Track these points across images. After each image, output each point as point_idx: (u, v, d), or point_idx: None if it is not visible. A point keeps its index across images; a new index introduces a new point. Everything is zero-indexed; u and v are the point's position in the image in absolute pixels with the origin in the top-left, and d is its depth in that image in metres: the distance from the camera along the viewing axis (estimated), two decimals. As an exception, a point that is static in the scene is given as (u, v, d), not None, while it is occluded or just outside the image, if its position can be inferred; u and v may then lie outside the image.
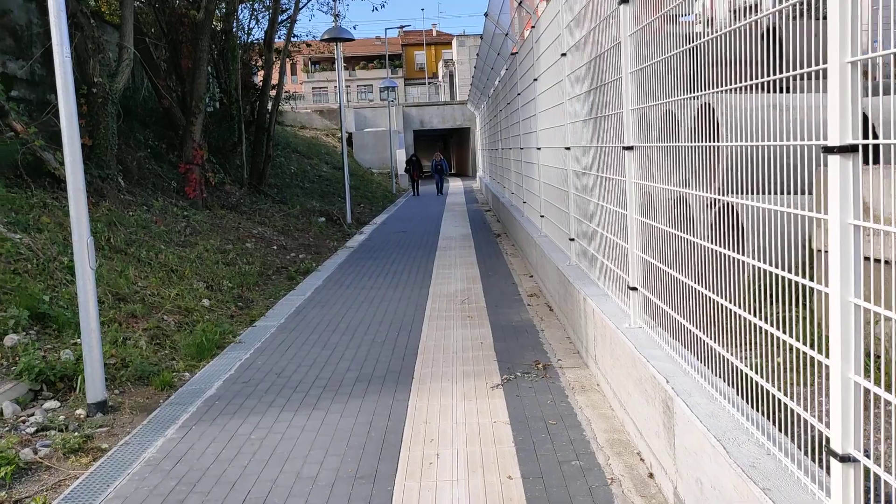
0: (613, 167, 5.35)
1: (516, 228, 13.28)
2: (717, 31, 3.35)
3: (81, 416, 5.33)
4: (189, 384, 6.06)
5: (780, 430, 2.96)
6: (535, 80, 10.25)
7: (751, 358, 3.18)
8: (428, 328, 7.59)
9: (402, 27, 62.09)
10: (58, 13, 5.06)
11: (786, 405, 2.78)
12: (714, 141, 3.67)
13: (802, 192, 3.23)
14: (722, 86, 3.25)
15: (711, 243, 3.53)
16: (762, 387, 3.00)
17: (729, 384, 3.41)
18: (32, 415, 5.30)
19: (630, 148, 4.76)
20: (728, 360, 3.31)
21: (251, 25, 28.22)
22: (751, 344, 3.26)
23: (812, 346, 2.56)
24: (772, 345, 2.90)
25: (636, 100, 4.67)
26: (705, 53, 3.43)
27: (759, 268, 2.98)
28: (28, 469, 4.50)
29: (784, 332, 2.82)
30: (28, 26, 13.86)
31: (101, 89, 11.91)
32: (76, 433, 4.97)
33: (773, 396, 2.88)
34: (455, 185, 40.33)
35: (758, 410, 3.13)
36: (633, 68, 4.69)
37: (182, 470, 4.36)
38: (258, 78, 21.19)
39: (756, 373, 3.06)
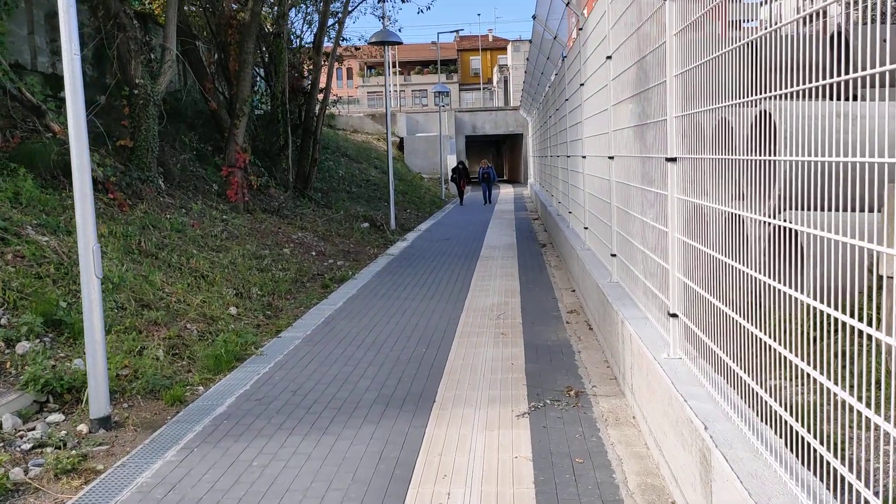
0: (655, 180, 4.87)
1: (561, 239, 12.78)
2: (779, 24, 2.87)
3: (83, 433, 5.08)
4: (200, 400, 5.77)
5: (835, 497, 2.48)
6: (582, 84, 9.77)
7: (804, 406, 2.69)
8: (457, 346, 7.18)
9: (457, 32, 61.90)
10: (66, 8, 4.82)
11: (842, 476, 2.29)
12: (772, 153, 3.20)
13: (870, 210, 2.75)
14: (783, 88, 2.77)
15: (761, 273, 3.04)
16: (814, 444, 2.51)
17: (777, 433, 2.92)
18: (33, 429, 5.07)
19: (673, 159, 4.28)
20: (777, 411, 2.82)
21: (303, 29, 28.19)
22: (802, 391, 2.78)
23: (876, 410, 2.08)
24: (827, 397, 2.42)
25: (681, 106, 4.19)
26: (765, 51, 2.94)
27: (816, 307, 2.50)
28: (15, 491, 4.24)
29: (845, 387, 2.33)
30: (79, 27, 13.98)
31: (142, 91, 11.84)
32: (73, 451, 4.71)
33: (829, 462, 2.39)
34: (506, 191, 39.82)
35: (811, 470, 2.64)
36: (678, 71, 4.21)
37: (173, 499, 4.04)
38: (307, 81, 21.10)
39: (809, 430, 2.57)
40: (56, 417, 5.30)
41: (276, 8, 19.31)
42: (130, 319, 7.10)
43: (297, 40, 21.61)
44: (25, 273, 7.02)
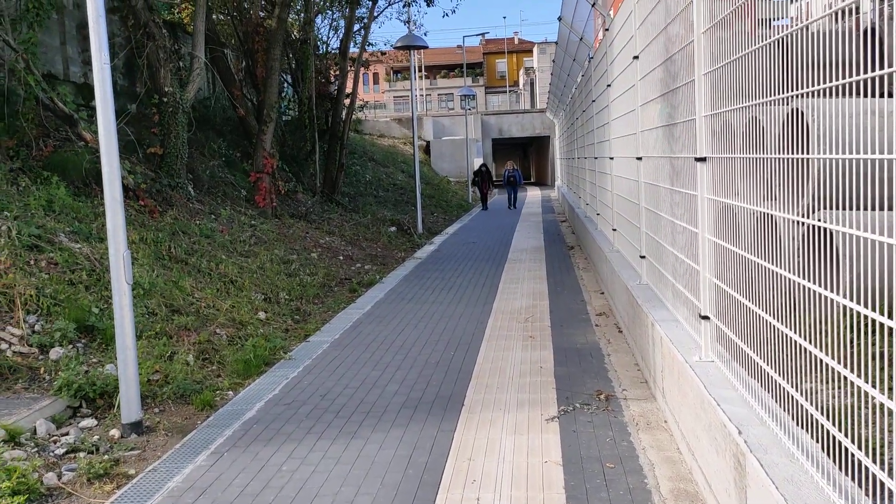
0: (684, 180, 4.80)
1: (589, 241, 12.69)
2: (809, 20, 2.81)
3: (115, 437, 5.13)
4: (230, 404, 5.81)
5: (874, 502, 2.41)
6: (609, 85, 9.69)
7: (840, 410, 2.62)
8: (486, 349, 7.15)
9: (482, 35, 61.93)
10: (96, 18, 4.88)
11: (881, 481, 2.23)
12: (804, 152, 3.13)
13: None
14: (815, 85, 2.70)
15: (795, 273, 2.97)
16: (852, 448, 2.45)
17: (813, 437, 2.85)
18: (66, 434, 5.13)
19: (703, 159, 4.22)
20: (813, 415, 2.75)
21: (329, 35, 28.41)
22: (839, 394, 2.71)
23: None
24: (864, 401, 2.35)
25: (710, 105, 4.13)
26: (796, 47, 2.88)
27: (853, 308, 2.44)
28: (50, 495, 4.29)
29: (883, 390, 2.27)
30: (110, 37, 14.22)
31: (171, 99, 11.98)
32: (105, 456, 4.76)
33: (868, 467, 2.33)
34: (533, 194, 39.68)
35: (848, 475, 2.57)
36: (707, 69, 4.15)
37: (203, 504, 4.07)
38: (334, 87, 21.22)
39: (847, 434, 2.51)
40: (89, 422, 5.36)
41: (302, 15, 19.46)
42: (161, 325, 7.17)
43: (324, 46, 21.76)
44: (59, 280, 7.12)
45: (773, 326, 3.16)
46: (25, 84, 9.46)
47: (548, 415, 5.24)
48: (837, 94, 2.57)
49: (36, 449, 4.83)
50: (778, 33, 3.10)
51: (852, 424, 2.53)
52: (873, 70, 2.27)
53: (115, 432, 5.18)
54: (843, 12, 2.63)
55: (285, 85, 20.23)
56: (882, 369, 2.84)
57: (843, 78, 2.48)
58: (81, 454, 4.80)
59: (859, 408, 2.60)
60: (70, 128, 10.25)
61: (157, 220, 10.34)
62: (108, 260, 7.66)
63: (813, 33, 2.74)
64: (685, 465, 4.33)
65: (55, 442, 4.98)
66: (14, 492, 4.10)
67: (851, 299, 2.48)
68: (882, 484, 2.25)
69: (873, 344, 2.55)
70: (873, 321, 2.31)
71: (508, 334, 7.72)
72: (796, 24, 2.96)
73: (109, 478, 4.50)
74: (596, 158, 12.53)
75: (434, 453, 4.63)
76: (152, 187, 11.08)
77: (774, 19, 3.59)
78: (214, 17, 16.85)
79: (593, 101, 12.40)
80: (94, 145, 10.16)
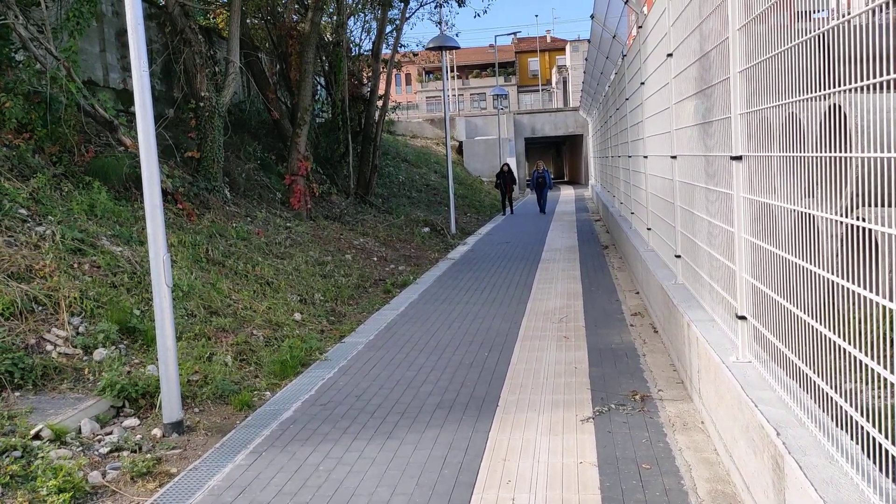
0: (719, 179, 4.76)
1: (623, 240, 12.61)
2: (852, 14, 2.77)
3: (157, 437, 5.24)
4: (268, 404, 5.89)
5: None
6: (643, 83, 9.62)
7: (881, 411, 2.58)
8: (520, 349, 7.15)
9: (514, 34, 61.79)
10: (135, 26, 4.99)
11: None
12: (844, 150, 3.09)
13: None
14: (856, 81, 2.67)
15: (834, 273, 2.93)
16: (892, 451, 2.41)
17: (853, 438, 2.82)
18: (110, 433, 5.25)
19: (738, 158, 4.18)
20: (853, 416, 2.72)
21: (361, 37, 28.61)
22: (879, 395, 2.67)
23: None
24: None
25: (746, 103, 4.09)
26: (836, 42, 2.85)
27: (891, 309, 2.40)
28: (94, 493, 4.40)
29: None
30: (147, 44, 14.50)
31: (207, 103, 12.17)
32: (148, 455, 4.86)
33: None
34: (566, 193, 39.49)
35: (889, 476, 2.54)
36: (742, 66, 4.11)
37: (243, 502, 4.13)
38: (366, 89, 21.36)
39: (887, 436, 2.47)
40: (131, 422, 5.48)
41: (335, 17, 19.63)
42: (200, 326, 7.29)
43: (356, 48, 21.93)
44: (101, 282, 7.29)
45: (812, 327, 3.13)
46: (67, 91, 9.68)
47: (583, 415, 5.22)
48: (878, 90, 2.53)
49: (81, 448, 4.95)
50: (817, 28, 3.06)
51: (893, 426, 2.50)
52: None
53: (156, 431, 5.29)
54: (885, 4, 2.59)
55: (318, 87, 20.41)
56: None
57: (884, 73, 2.44)
58: (125, 453, 4.91)
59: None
60: (110, 133, 10.47)
61: (195, 224, 10.52)
62: (148, 263, 7.82)
63: (855, 27, 2.71)
64: (722, 466, 4.29)
65: (99, 441, 5.10)
66: (60, 490, 4.21)
67: (891, 300, 2.44)
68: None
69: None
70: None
71: (542, 335, 7.70)
72: (835, 18, 2.92)
73: (152, 476, 4.60)
74: (630, 157, 12.44)
75: (469, 454, 4.65)
76: (190, 191, 11.27)
77: (813, 12, 3.53)
78: (249, 21, 17.07)
79: (627, 99, 12.32)
80: (133, 150, 10.37)
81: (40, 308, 6.53)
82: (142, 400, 5.78)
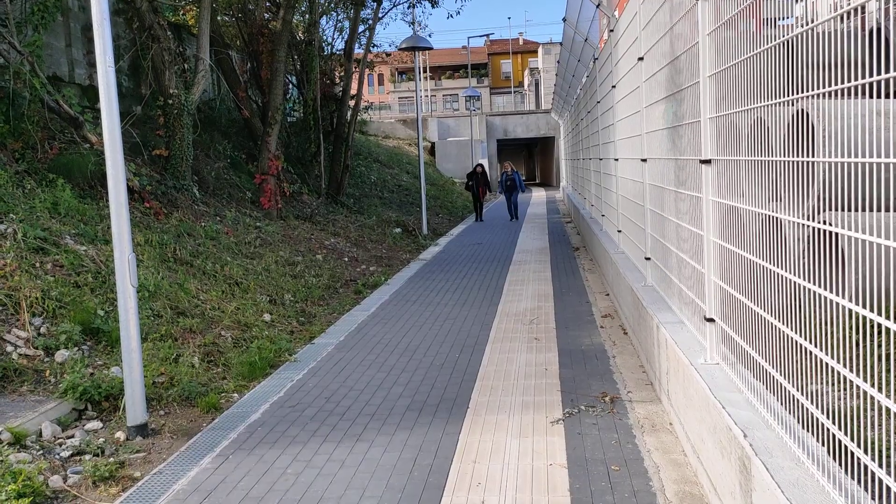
0: (689, 182, 4.79)
1: (594, 243, 12.68)
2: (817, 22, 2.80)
3: (120, 440, 5.14)
4: (235, 406, 5.81)
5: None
6: (614, 87, 9.68)
7: (846, 413, 2.61)
8: (491, 351, 7.14)
9: (487, 35, 61.94)
10: (101, 21, 4.90)
11: (888, 486, 2.21)
12: (810, 154, 3.12)
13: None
14: (822, 87, 2.69)
15: (800, 276, 2.96)
16: (857, 452, 2.43)
17: (819, 440, 2.84)
18: (72, 436, 5.14)
19: (708, 161, 4.21)
20: (818, 418, 2.74)
21: (334, 36, 28.46)
22: (844, 396, 2.69)
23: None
24: (870, 403, 2.34)
25: (715, 107, 4.12)
26: (802, 49, 2.87)
27: (857, 312, 2.42)
28: (55, 498, 4.31)
29: (889, 393, 2.25)
30: (114, 39, 14.25)
31: (176, 101, 12.01)
32: (111, 459, 4.77)
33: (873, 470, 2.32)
34: (538, 195, 39.65)
35: (854, 478, 2.56)
36: (711, 71, 4.14)
37: (208, 507, 4.07)
38: (339, 88, 21.26)
39: (852, 438, 2.49)
40: (94, 425, 5.37)
41: (307, 16, 19.51)
42: (166, 327, 7.18)
43: (329, 47, 21.81)
44: (64, 282, 7.14)
45: (778, 329, 3.15)
46: (31, 86, 9.49)
47: (553, 417, 5.23)
48: (843, 96, 2.56)
49: (41, 451, 4.84)
50: (783, 35, 3.09)
51: (857, 427, 2.52)
52: (879, 71, 2.26)
53: (120, 435, 5.19)
54: (848, 13, 2.62)
55: (290, 86, 20.26)
56: (887, 371, 2.83)
57: (849, 79, 2.46)
58: (87, 457, 4.81)
59: (864, 411, 2.59)
60: (75, 130, 10.28)
61: (163, 222, 10.37)
62: (113, 262, 7.69)
63: (819, 34, 2.73)
64: (690, 467, 4.32)
65: (60, 444, 4.99)
66: (20, 494, 4.11)
67: (856, 302, 2.47)
68: (888, 488, 2.24)
69: (878, 346, 2.54)
70: (878, 324, 2.30)
71: (514, 336, 7.71)
72: (801, 26, 2.95)
73: (115, 480, 4.51)
74: (601, 160, 12.52)
75: (439, 456, 4.63)
76: (157, 189, 11.11)
77: (780, 19, 3.57)
78: (219, 18, 16.90)
79: (598, 102, 12.39)
80: (99, 147, 10.19)
81: (0, 308, 6.38)
82: (105, 402, 5.67)
